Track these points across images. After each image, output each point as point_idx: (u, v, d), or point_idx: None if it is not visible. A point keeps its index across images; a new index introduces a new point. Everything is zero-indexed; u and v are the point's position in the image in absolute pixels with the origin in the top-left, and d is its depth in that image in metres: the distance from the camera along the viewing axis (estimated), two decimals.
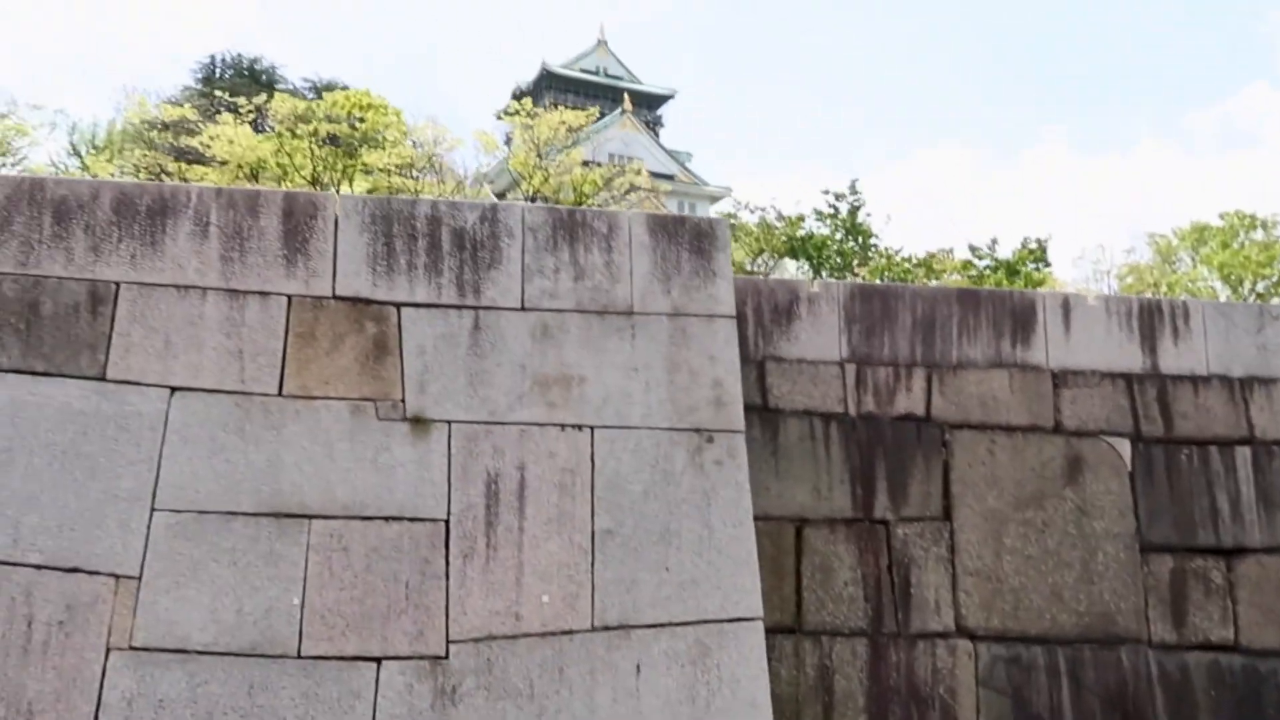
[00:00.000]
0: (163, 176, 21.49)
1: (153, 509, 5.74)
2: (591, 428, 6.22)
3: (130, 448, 5.80)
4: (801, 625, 7.59)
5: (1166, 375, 8.37)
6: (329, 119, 20.14)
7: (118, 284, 6.01)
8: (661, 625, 5.99)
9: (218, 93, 25.74)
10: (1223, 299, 29.39)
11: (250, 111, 21.19)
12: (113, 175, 21.49)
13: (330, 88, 40.49)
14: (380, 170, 21.30)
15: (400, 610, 5.80)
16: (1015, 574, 7.86)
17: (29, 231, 5.99)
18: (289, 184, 20.47)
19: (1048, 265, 23.51)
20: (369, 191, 21.31)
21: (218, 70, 42.66)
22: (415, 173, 22.44)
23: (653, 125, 73.82)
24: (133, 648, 5.49)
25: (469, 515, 5.99)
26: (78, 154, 38.48)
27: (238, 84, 40.23)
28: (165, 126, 22.12)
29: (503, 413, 6.16)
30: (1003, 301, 8.36)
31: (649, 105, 74.85)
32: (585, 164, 24.39)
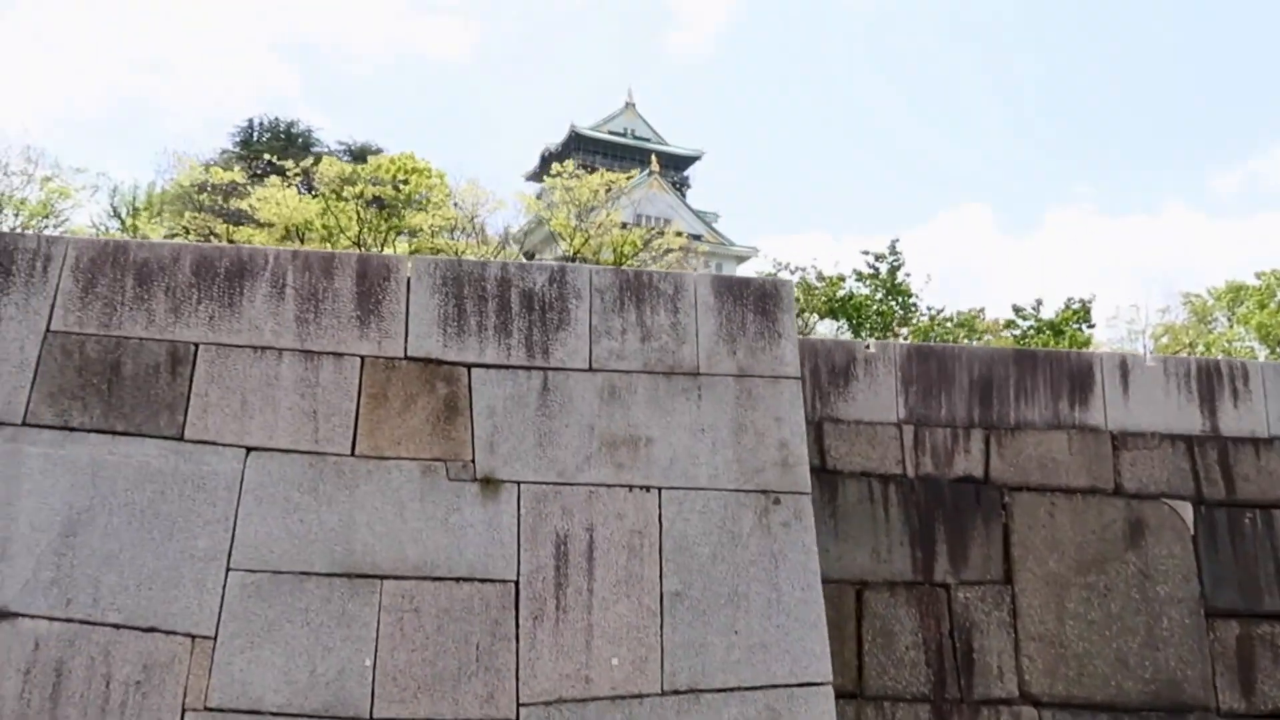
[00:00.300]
0: (211, 237, 21.89)
1: (228, 569, 5.79)
2: (659, 489, 6.24)
3: (207, 507, 5.87)
4: (863, 691, 7.50)
5: (1227, 437, 8.31)
6: (374, 182, 20.51)
7: (196, 345, 6.12)
8: (731, 689, 5.94)
9: (266, 156, 26.21)
10: (1261, 359, 29.18)
11: (297, 174, 21.60)
12: (163, 237, 21.86)
13: (365, 150, 41.23)
14: (425, 231, 21.61)
15: (471, 672, 5.79)
16: (1079, 639, 7.76)
17: (112, 293, 6.13)
18: (334, 245, 20.81)
19: (1091, 326, 23.49)
20: (412, 253, 21.60)
21: (255, 134, 43.49)
22: (456, 234, 22.73)
23: (680, 186, 74.57)
24: (208, 708, 5.51)
25: (539, 576, 6.00)
26: (118, 216, 39.24)
27: (275, 147, 41.05)
28: (215, 189, 22.55)
29: (571, 473, 6.19)
30: (1060, 362, 8.36)
31: (676, 166, 75.66)
32: (623, 225, 24.67)
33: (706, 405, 6.41)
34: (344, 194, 20.56)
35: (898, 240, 21.81)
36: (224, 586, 5.76)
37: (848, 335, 21.29)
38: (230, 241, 21.19)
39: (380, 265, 6.43)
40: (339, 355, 6.21)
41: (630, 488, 6.22)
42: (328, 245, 20.60)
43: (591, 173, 24.41)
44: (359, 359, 6.23)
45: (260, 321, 6.20)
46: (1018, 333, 22.53)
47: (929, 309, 22.54)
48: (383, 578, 5.88)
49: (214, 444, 5.98)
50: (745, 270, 66.02)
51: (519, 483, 6.14)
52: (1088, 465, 8.11)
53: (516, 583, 5.97)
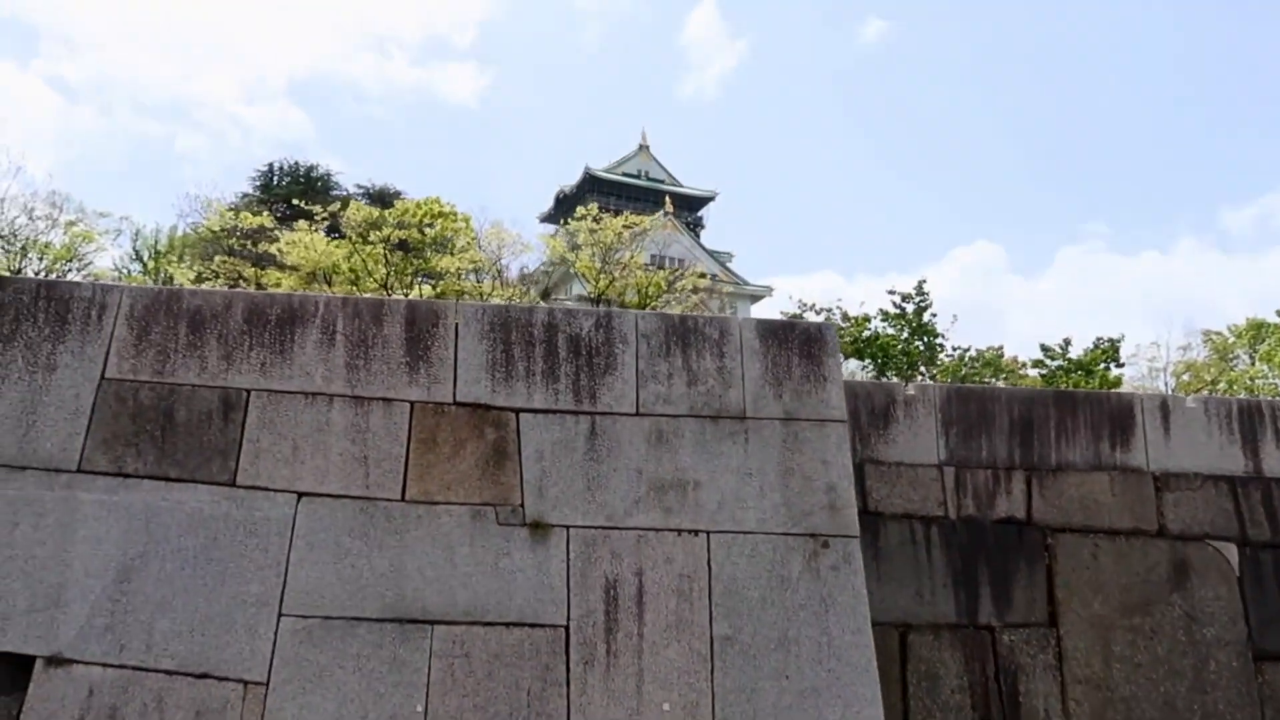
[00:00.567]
0: (240, 281, 22.11)
1: (280, 614, 5.79)
2: (708, 533, 6.23)
3: (259, 553, 5.89)
4: None
5: (1270, 478, 8.27)
6: (400, 225, 20.69)
7: (248, 391, 6.17)
8: None
9: (290, 200, 26.51)
10: None
11: (325, 219, 21.81)
12: (191, 281, 22.12)
13: (383, 193, 41.64)
14: (450, 274, 21.75)
15: (522, 718, 5.77)
16: (1125, 682, 7.69)
17: (165, 340, 6.19)
18: (360, 288, 20.97)
19: (1120, 365, 23.39)
20: (437, 295, 21.74)
21: (275, 177, 43.98)
22: (478, 276, 22.87)
23: (694, 226, 74.81)
24: None
25: (589, 621, 5.99)
26: (140, 259, 39.64)
27: (295, 190, 41.49)
28: (245, 234, 22.79)
29: (620, 518, 6.20)
30: (1100, 403, 8.35)
31: (690, 207, 75.96)
32: (644, 267, 24.76)
33: (754, 449, 6.42)
34: (370, 237, 20.75)
35: (924, 281, 21.87)
36: (276, 632, 5.76)
37: (872, 375, 21.26)
38: (259, 285, 21.40)
39: (429, 311, 6.48)
40: (389, 401, 6.25)
41: (679, 531, 6.22)
42: (354, 288, 20.77)
43: (616, 215, 24.53)
44: (408, 404, 6.27)
45: (311, 368, 6.25)
46: (1045, 372, 22.48)
47: (955, 349, 22.56)
48: (433, 623, 5.88)
49: (266, 490, 6.02)
50: (760, 310, 66.13)
51: (568, 527, 6.15)
52: (1130, 506, 8.07)
53: (566, 627, 5.96)
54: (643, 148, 77.72)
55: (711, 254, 69.69)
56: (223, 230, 22.25)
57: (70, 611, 5.67)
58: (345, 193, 41.44)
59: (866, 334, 21.40)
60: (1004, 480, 8.06)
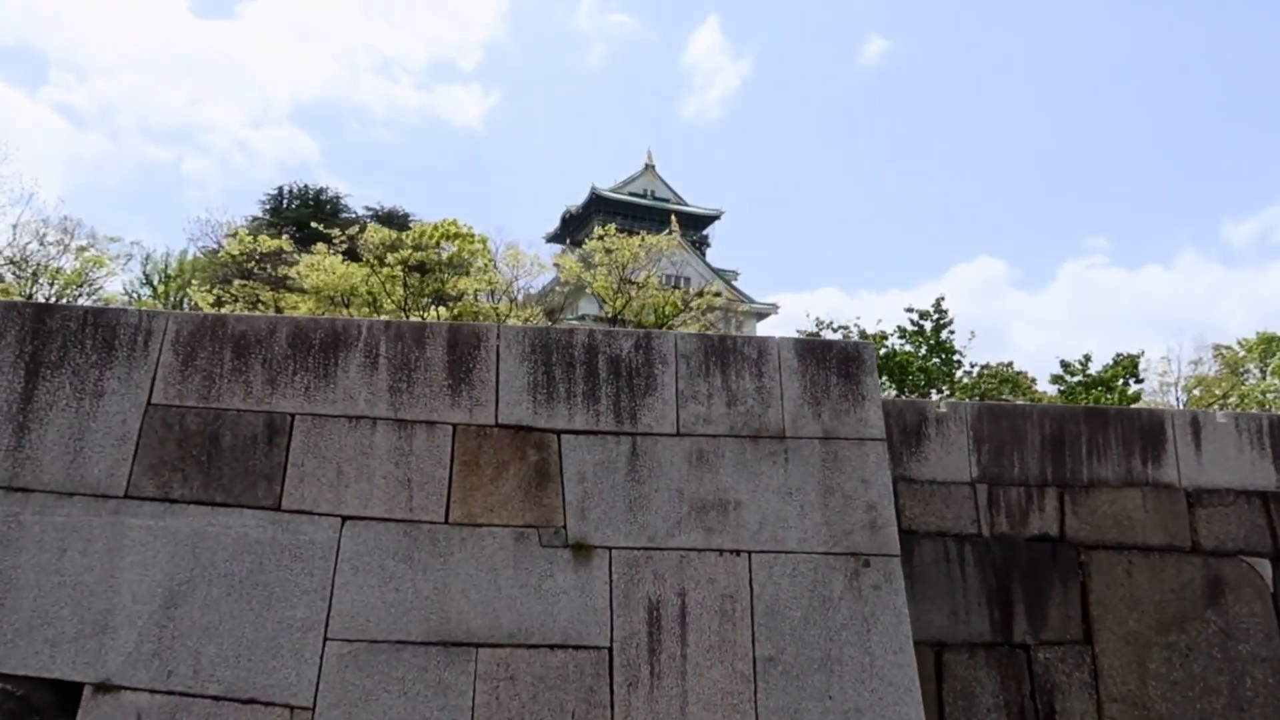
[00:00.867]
0: (259, 304, 22.20)
1: (325, 638, 5.81)
2: (749, 552, 6.25)
3: (304, 577, 5.91)
4: None
5: None
6: (417, 247, 20.77)
7: (293, 415, 6.21)
8: None
9: (302, 223, 26.66)
10: None
11: (343, 241, 21.91)
12: (210, 305, 22.22)
13: (392, 215, 41.85)
14: (469, 295, 21.82)
15: None
16: (1161, 700, 7.68)
17: (211, 366, 6.24)
18: (379, 311, 21.06)
19: (1140, 381, 23.42)
20: (455, 317, 21.80)
21: (285, 200, 44.21)
22: (492, 297, 22.95)
23: (699, 245, 74.97)
24: None
25: (632, 643, 6.00)
26: (150, 284, 39.85)
27: (304, 213, 41.70)
28: (262, 257, 22.91)
29: (662, 538, 6.22)
30: (1131, 420, 8.36)
31: (696, 226, 76.12)
32: (659, 287, 24.85)
33: (794, 468, 6.44)
34: (387, 259, 20.82)
35: (943, 298, 21.96)
36: (321, 656, 5.78)
37: (891, 393, 21.30)
38: (277, 308, 21.49)
39: (470, 334, 6.53)
40: (431, 424, 6.29)
41: (721, 552, 6.24)
42: (371, 310, 20.86)
43: (624, 235, 24.62)
44: (451, 427, 6.30)
45: (355, 391, 6.29)
46: (1064, 388, 22.51)
47: (973, 365, 22.60)
48: (478, 646, 5.89)
49: (310, 514, 6.05)
50: (767, 327, 66.19)
51: (610, 548, 6.17)
52: (1163, 523, 8.08)
53: (610, 649, 5.97)
54: (648, 167, 78.02)
55: (717, 272, 69.85)
56: (242, 254, 22.35)
57: (118, 637, 5.69)
58: (354, 215, 41.69)
59: (884, 351, 21.44)
60: (1037, 497, 8.07)
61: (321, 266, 20.66)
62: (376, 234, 21.26)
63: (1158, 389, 31.99)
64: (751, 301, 69.95)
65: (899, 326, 22.39)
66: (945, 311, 22.20)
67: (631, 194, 75.42)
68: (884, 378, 21.15)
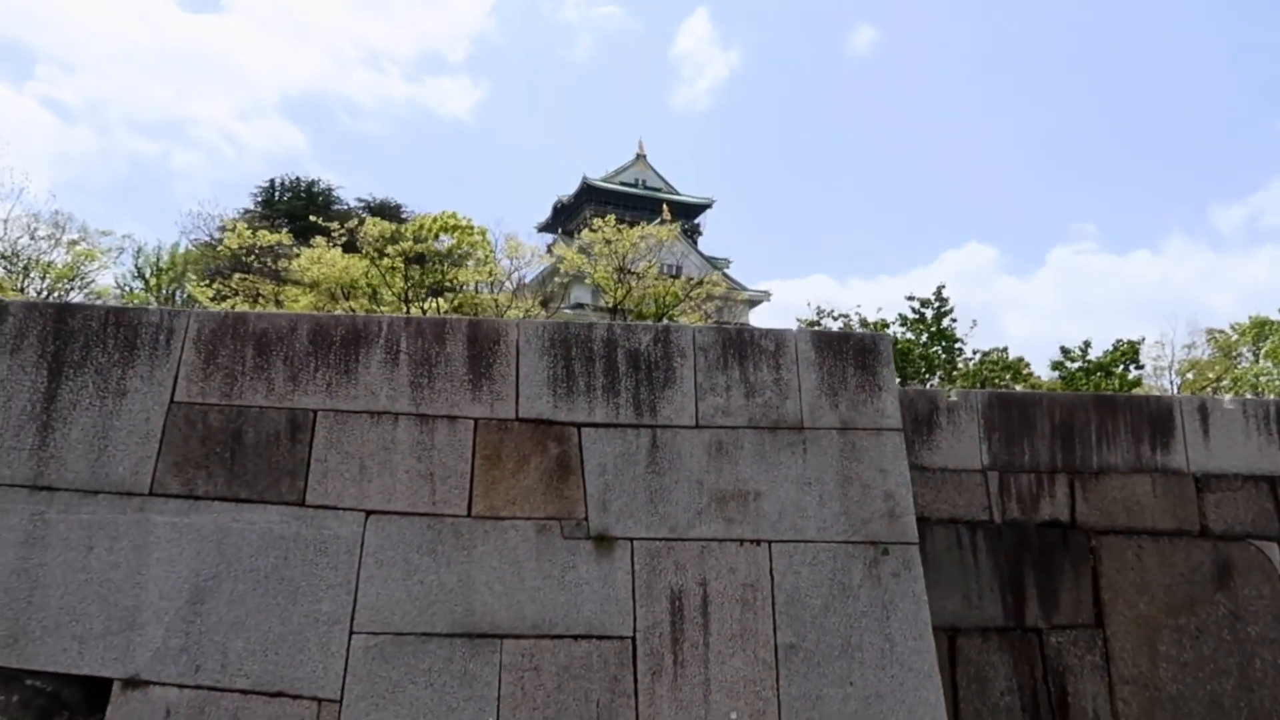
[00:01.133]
0: (259, 298, 22.17)
1: (351, 631, 5.86)
2: (769, 542, 6.31)
3: (329, 571, 5.95)
4: None
5: None
6: (417, 239, 20.74)
7: (315, 411, 6.24)
8: None
9: (308, 218, 26.60)
10: None
11: (342, 234, 21.87)
12: (210, 299, 22.17)
13: (384, 206, 41.73)
14: (470, 286, 21.81)
15: None
16: (1172, 681, 7.78)
17: (233, 364, 6.26)
18: (379, 303, 21.07)
19: (1140, 367, 23.54)
20: (455, 308, 21.84)
21: (277, 193, 44.05)
22: (492, 288, 22.96)
23: (691, 234, 74.88)
24: None
25: (655, 632, 6.05)
26: (142, 277, 39.70)
27: (296, 206, 41.59)
28: (264, 250, 22.86)
29: (683, 529, 6.27)
30: (1139, 407, 8.44)
31: (687, 214, 76.01)
32: (659, 277, 24.90)
33: (812, 458, 6.50)
34: (387, 252, 20.81)
35: (943, 286, 22.03)
36: (348, 649, 5.83)
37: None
38: (278, 302, 21.49)
39: (490, 329, 6.56)
40: (453, 418, 6.32)
41: (741, 542, 6.29)
42: (372, 302, 20.86)
43: (632, 226, 24.63)
44: (472, 421, 6.34)
45: (376, 387, 6.32)
46: (1065, 375, 22.63)
47: (975, 352, 22.71)
48: (502, 637, 5.95)
49: (334, 509, 6.08)
50: (759, 314, 66.22)
51: (632, 539, 6.22)
52: (1172, 508, 8.16)
53: (633, 639, 6.03)
54: (639, 157, 77.90)
55: (709, 260, 69.78)
56: (241, 248, 22.30)
57: (146, 633, 5.73)
58: (346, 207, 41.58)
59: None
60: (1047, 484, 8.15)
61: (323, 260, 20.64)
62: (375, 227, 21.23)
63: (1151, 373, 32.17)
64: (744, 289, 69.97)
65: (900, 315, 22.54)
66: (946, 299, 22.31)
67: (623, 183, 75.32)
68: None
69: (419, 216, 22.08)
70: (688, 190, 78.84)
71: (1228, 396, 9.66)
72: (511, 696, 5.85)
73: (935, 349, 21.57)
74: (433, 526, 6.11)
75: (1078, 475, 8.18)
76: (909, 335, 21.85)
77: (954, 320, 22.26)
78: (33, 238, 33.32)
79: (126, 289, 39.48)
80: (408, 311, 21.31)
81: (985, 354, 22.56)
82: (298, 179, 44.79)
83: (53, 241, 34.26)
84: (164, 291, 38.57)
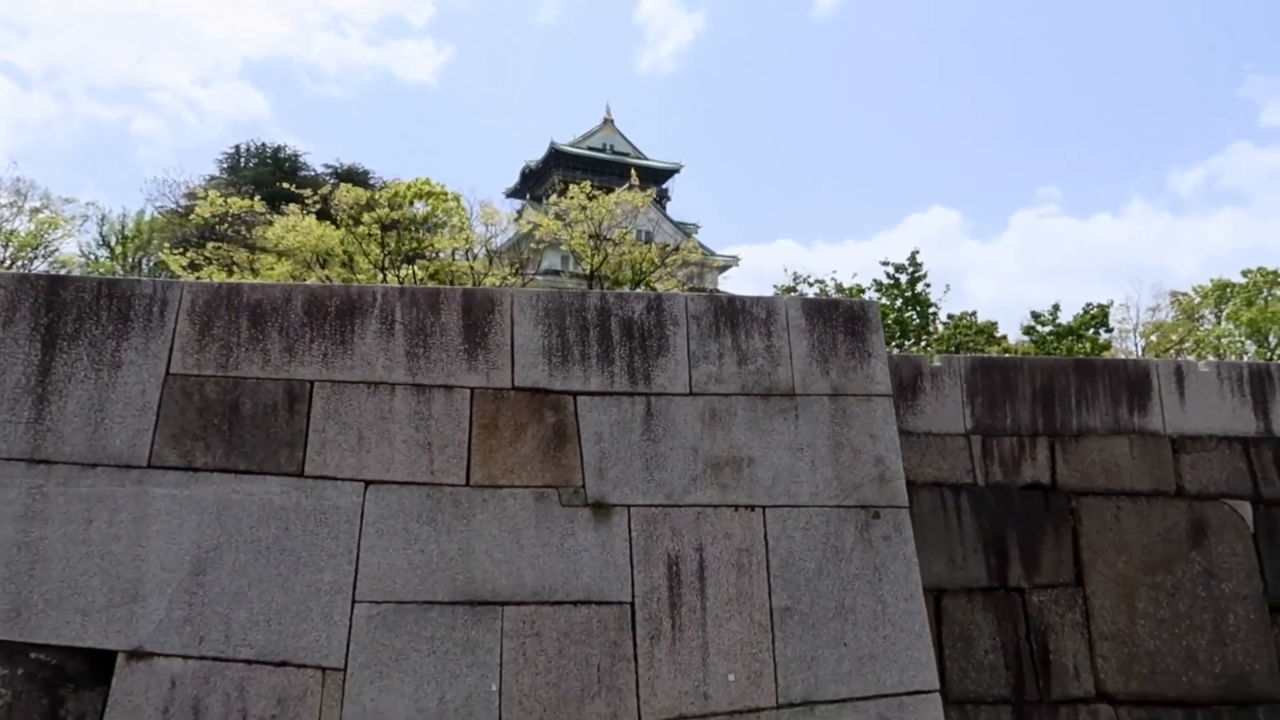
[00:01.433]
0: (234, 266, 21.93)
1: (354, 600, 5.91)
2: (763, 507, 6.41)
3: (330, 541, 5.99)
4: (946, 695, 7.68)
5: None
6: (392, 206, 20.58)
7: (312, 382, 6.25)
8: (843, 700, 6.11)
9: (278, 184, 26.26)
10: (1250, 355, 29.74)
11: (316, 202, 21.64)
12: (184, 267, 21.88)
13: (351, 172, 41.26)
14: (445, 253, 21.69)
15: (593, 693, 5.94)
16: (1150, 638, 8.00)
17: (228, 335, 6.25)
18: (355, 271, 20.91)
19: (1110, 330, 23.91)
20: (431, 276, 21.74)
21: (243, 159, 43.44)
22: (467, 255, 22.87)
23: (660, 199, 74.66)
24: None
25: (653, 597, 6.16)
26: (108, 245, 39.11)
27: (262, 172, 41.04)
28: (236, 218, 22.58)
29: (679, 495, 6.36)
30: (1117, 371, 8.61)
31: (655, 179, 75.70)
32: (635, 243, 24.89)
33: (804, 425, 6.59)
34: (363, 219, 20.63)
35: (918, 252, 22.19)
36: (350, 618, 5.88)
37: None
38: (253, 271, 21.29)
39: (485, 299, 6.58)
40: (449, 388, 6.36)
41: (736, 507, 6.39)
42: (347, 271, 20.70)
43: (607, 193, 24.54)
44: (469, 390, 6.37)
45: (372, 357, 6.34)
46: (1037, 339, 22.95)
47: (952, 316, 22.96)
48: (503, 604, 6.02)
49: (334, 479, 6.11)
50: (728, 281, 66.30)
51: (629, 506, 6.30)
52: (1150, 469, 8.36)
53: (632, 604, 6.12)
54: (607, 121, 77.47)
55: (679, 225, 69.72)
56: (214, 216, 22.02)
57: (149, 605, 5.75)
58: (314, 173, 41.09)
59: None
60: (1029, 447, 8.31)
61: (298, 228, 20.43)
62: (350, 194, 21.03)
63: (1117, 335, 32.60)
64: (713, 254, 69.98)
65: (875, 280, 22.70)
66: (920, 265, 22.53)
67: (590, 148, 74.91)
68: None
69: (393, 183, 21.91)
70: (655, 155, 78.55)
71: (1203, 360, 9.86)
72: (514, 662, 5.94)
73: (910, 314, 21.81)
74: (432, 496, 6.16)
75: (1058, 438, 8.35)
76: (884, 300, 22.04)
77: (928, 285, 22.54)
78: None
79: (92, 257, 38.91)
80: (384, 279, 21.19)
81: (957, 319, 22.85)
82: (263, 145, 44.20)
83: (14, 209, 33.71)
84: (130, 260, 38.04)
